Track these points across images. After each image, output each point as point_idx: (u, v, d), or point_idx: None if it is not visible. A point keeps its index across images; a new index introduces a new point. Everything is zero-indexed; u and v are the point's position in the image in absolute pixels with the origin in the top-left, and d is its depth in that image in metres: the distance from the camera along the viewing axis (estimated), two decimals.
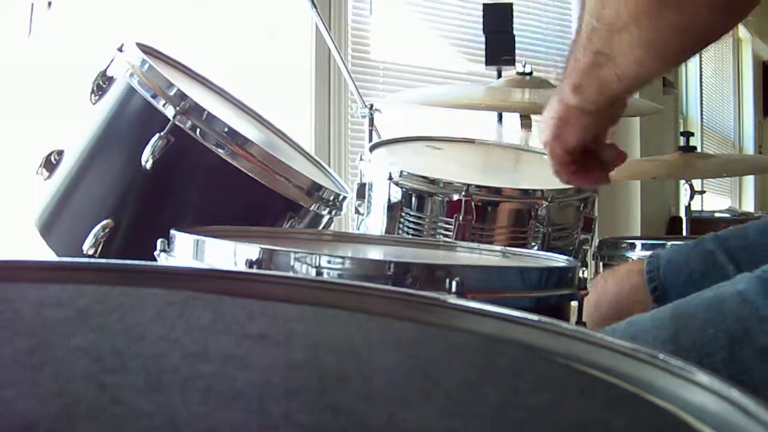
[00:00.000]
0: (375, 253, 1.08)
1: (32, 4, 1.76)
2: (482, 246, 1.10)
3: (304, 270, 0.76)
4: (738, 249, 1.07)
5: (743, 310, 0.75)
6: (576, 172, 0.96)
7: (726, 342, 0.74)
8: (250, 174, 1.16)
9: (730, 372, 0.73)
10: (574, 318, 0.88)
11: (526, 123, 1.96)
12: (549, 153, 0.95)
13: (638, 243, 1.80)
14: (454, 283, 0.71)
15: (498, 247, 1.10)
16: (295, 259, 0.76)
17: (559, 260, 0.96)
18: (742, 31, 5.48)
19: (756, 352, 0.73)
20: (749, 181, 5.89)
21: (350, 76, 1.99)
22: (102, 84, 1.26)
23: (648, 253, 1.73)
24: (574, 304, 0.87)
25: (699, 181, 2.62)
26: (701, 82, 4.97)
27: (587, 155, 0.95)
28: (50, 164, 1.28)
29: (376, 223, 1.35)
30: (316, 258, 0.75)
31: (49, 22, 1.88)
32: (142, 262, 0.47)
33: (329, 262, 0.76)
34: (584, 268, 0.87)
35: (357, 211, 1.38)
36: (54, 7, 1.78)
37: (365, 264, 0.79)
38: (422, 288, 0.71)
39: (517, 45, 2.83)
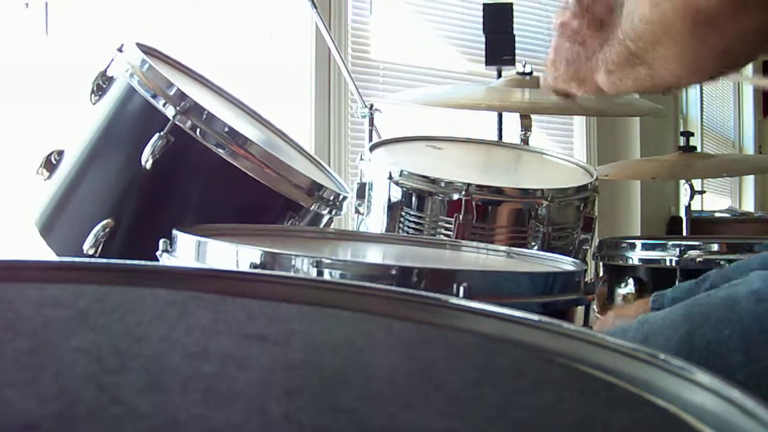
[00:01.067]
0: (380, 253, 1.08)
1: (46, 4, 1.76)
2: (488, 246, 1.10)
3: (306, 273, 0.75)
4: None
5: (759, 309, 0.74)
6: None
7: (741, 343, 0.73)
8: (250, 174, 1.15)
9: (748, 372, 0.72)
10: (580, 323, 0.88)
11: (526, 123, 1.95)
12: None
13: (638, 243, 1.79)
14: (461, 289, 0.71)
15: (503, 248, 1.10)
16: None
17: (566, 262, 0.96)
18: None
19: None
20: (749, 181, 5.89)
21: (350, 76, 1.99)
22: (102, 84, 1.26)
23: (648, 252, 1.74)
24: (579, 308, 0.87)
25: (699, 181, 2.61)
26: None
27: None
28: (50, 164, 1.28)
29: (376, 222, 1.35)
30: (319, 262, 0.75)
31: (49, 23, 1.88)
32: (143, 262, 0.47)
33: (332, 265, 0.76)
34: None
35: (357, 211, 1.38)
36: (31, 7, 1.78)
37: (370, 268, 0.79)
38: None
39: (517, 45, 2.84)
